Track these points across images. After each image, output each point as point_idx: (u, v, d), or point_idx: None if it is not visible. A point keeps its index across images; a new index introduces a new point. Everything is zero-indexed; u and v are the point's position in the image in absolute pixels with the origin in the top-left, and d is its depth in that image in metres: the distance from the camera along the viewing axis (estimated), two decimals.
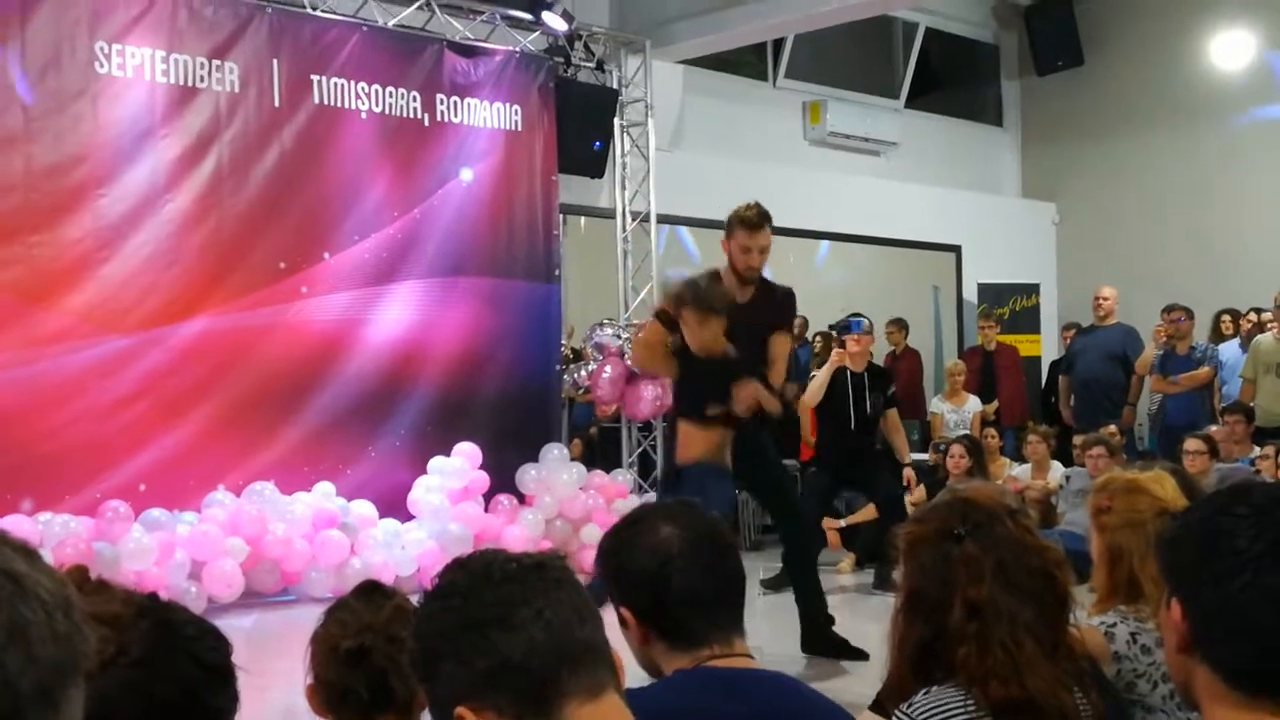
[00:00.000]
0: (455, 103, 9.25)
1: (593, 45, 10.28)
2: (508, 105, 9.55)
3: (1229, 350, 10.65)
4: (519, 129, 9.62)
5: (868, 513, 8.91)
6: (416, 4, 9.09)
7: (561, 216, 10.10)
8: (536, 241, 9.71)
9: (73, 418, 7.42)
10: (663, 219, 10.80)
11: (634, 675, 1.77)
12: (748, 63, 12.38)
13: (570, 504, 9.07)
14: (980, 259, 13.63)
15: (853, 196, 12.59)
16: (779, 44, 12.26)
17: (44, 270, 7.35)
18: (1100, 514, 2.99)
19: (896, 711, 2.05)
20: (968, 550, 2.08)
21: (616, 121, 10.44)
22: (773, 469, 6.38)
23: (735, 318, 5.67)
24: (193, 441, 7.88)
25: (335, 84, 8.62)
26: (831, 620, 6.31)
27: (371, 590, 2.23)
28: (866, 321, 8.63)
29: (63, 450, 7.33)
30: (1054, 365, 12.52)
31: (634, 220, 10.64)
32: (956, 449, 8.88)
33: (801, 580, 6.34)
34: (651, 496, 8.96)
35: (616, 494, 9.31)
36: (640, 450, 10.41)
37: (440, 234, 9.10)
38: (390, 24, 9.00)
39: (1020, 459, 10.02)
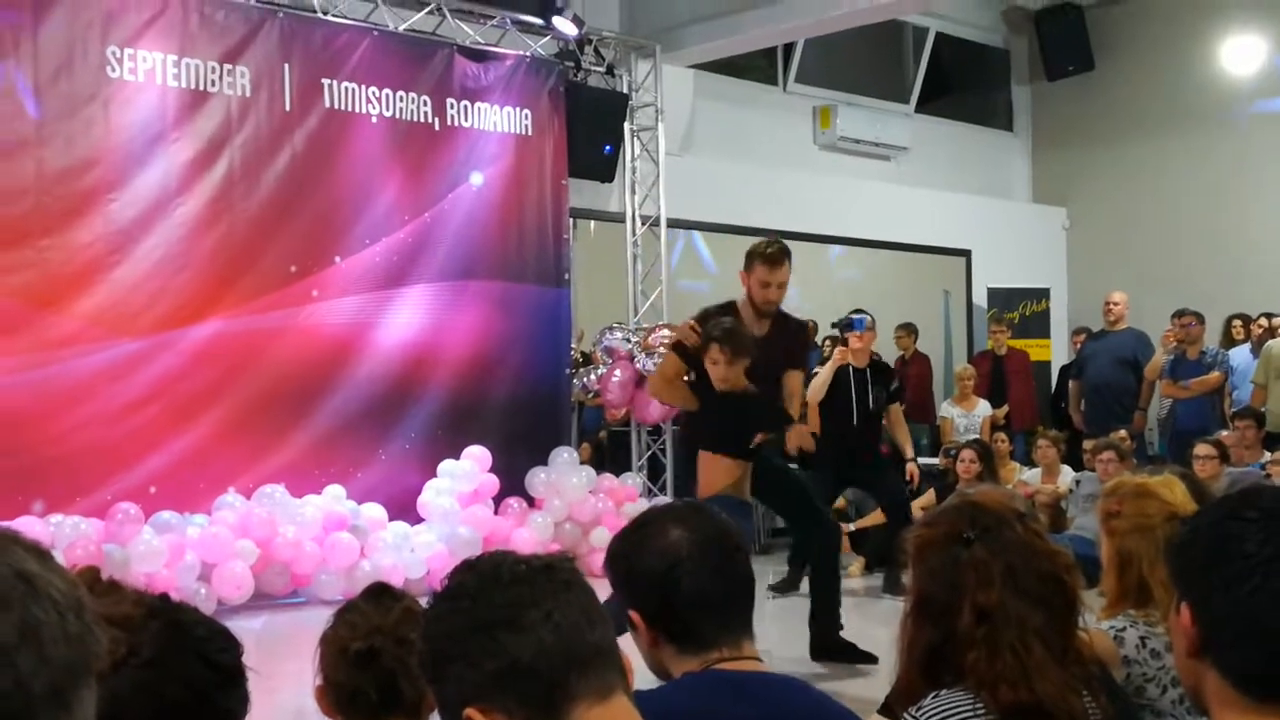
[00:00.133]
0: (466, 107, 9.27)
1: (603, 49, 10.28)
2: (518, 109, 9.55)
3: (1240, 355, 10.63)
4: (529, 133, 9.63)
5: (876, 517, 8.91)
6: (427, 9, 9.11)
7: (571, 220, 10.10)
8: (546, 245, 9.72)
9: (84, 421, 7.44)
10: (673, 223, 10.80)
11: (643, 678, 1.77)
12: (758, 67, 12.38)
13: (579, 507, 9.08)
14: (990, 263, 13.60)
15: (863, 201, 12.57)
16: (789, 48, 12.25)
17: (55, 274, 7.37)
18: (1110, 518, 2.98)
19: (905, 715, 2.05)
20: (977, 554, 2.08)
21: (626, 126, 10.46)
22: (784, 476, 6.36)
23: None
24: (203, 444, 7.90)
25: (346, 88, 8.64)
26: (840, 626, 6.27)
27: (381, 592, 2.23)
28: (869, 318, 8.62)
29: (74, 453, 7.35)
30: (1064, 370, 12.50)
31: (644, 224, 10.65)
32: (966, 453, 8.89)
33: (823, 589, 6.28)
34: (660, 500, 8.95)
35: (626, 497, 9.31)
36: (649, 454, 10.39)
37: (450, 238, 9.10)
38: (401, 29, 9.02)
39: (1030, 463, 9.99)
